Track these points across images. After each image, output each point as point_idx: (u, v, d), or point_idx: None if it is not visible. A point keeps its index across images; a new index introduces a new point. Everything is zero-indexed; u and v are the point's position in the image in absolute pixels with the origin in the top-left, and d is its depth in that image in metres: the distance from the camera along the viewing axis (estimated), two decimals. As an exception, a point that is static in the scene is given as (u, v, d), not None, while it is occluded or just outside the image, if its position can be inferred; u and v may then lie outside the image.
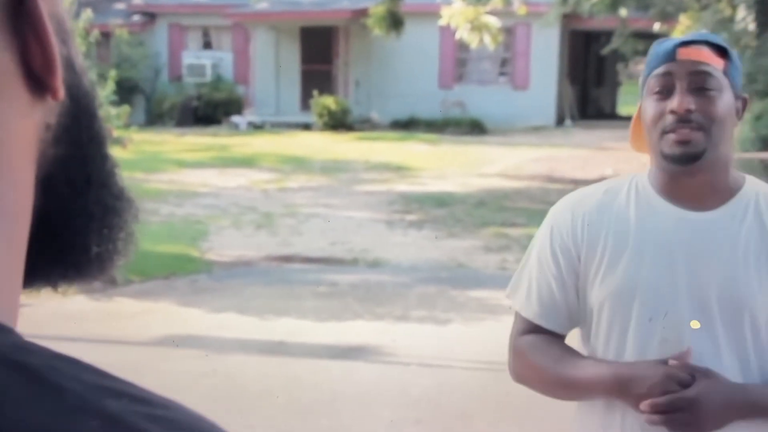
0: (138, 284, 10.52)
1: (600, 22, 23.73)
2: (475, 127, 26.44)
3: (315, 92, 27.25)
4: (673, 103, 2.23)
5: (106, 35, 28.97)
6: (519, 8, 20.28)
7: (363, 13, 25.25)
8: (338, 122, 26.44)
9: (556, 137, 25.33)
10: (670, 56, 2.28)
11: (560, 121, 28.32)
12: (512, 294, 2.52)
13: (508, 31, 25.87)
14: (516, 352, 2.48)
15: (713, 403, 2.20)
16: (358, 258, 11.84)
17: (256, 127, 27.25)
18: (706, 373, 2.22)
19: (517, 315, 2.50)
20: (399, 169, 19.63)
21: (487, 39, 20.41)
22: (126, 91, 28.25)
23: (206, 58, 29.66)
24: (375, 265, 11.55)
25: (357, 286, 10.47)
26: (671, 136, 2.25)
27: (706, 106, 2.24)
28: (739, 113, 2.34)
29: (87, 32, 11.19)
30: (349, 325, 8.97)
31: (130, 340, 8.53)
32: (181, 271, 11.12)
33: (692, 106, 2.22)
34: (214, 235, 13.23)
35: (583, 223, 2.37)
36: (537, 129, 26.76)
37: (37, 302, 9.66)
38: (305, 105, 28.05)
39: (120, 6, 30.49)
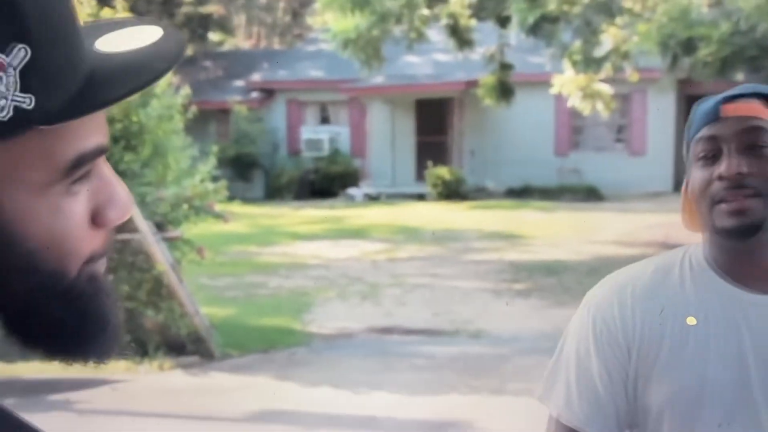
0: (236, 358, 10.56)
1: (716, 86, 23.32)
2: (591, 194, 26.16)
3: (429, 163, 27.33)
4: (722, 167, 1.90)
5: (225, 112, 29.60)
6: (631, 75, 20.05)
7: (476, 83, 25.27)
8: (452, 192, 26.43)
9: (673, 203, 24.68)
10: (714, 115, 1.95)
11: (678, 186, 27.75)
12: (546, 396, 2.13)
13: (624, 98, 25.66)
14: None
15: None
16: (459, 329, 11.69)
17: (372, 199, 27.40)
18: None
19: (555, 422, 2.09)
20: (511, 238, 19.47)
21: (600, 106, 20.22)
22: (245, 166, 28.79)
23: (323, 133, 30.00)
24: (476, 336, 11.39)
25: (455, 358, 10.33)
26: (722, 207, 1.90)
27: (761, 166, 1.90)
28: None
29: (185, 108, 11.35)
30: (443, 399, 8.81)
31: (223, 416, 8.52)
32: (281, 344, 11.12)
33: (744, 169, 1.89)
34: (318, 307, 13.23)
35: (634, 312, 2.00)
36: (654, 195, 26.34)
37: (135, 377, 9.77)
38: (420, 176, 28.14)
39: (239, 83, 31.09)
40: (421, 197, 27.02)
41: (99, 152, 0.91)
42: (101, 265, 0.95)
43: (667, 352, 1.97)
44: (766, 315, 1.94)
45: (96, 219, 0.93)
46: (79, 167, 0.89)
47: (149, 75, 0.90)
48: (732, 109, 1.94)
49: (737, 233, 1.90)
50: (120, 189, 0.94)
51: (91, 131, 0.90)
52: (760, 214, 1.89)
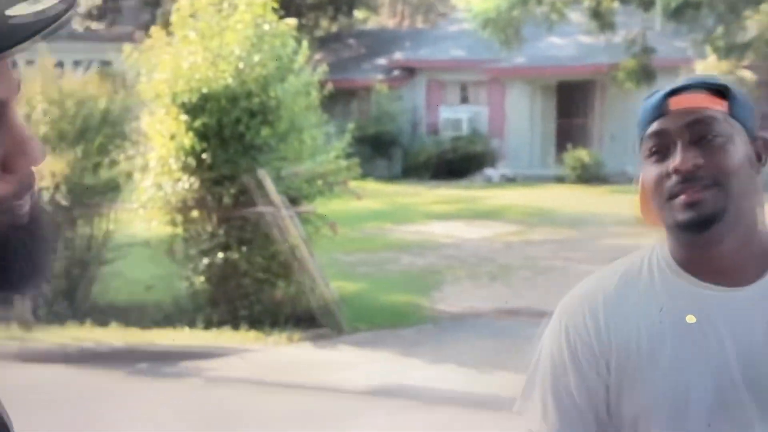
0: (363, 333, 10.71)
1: None
2: (733, 181, 25.64)
3: (569, 145, 27.12)
4: (675, 161, 1.87)
5: (367, 89, 29.82)
6: (777, 60, 19.65)
7: (618, 67, 25.03)
8: (591, 175, 26.20)
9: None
10: (661, 109, 1.93)
11: (827, 175, 27.10)
12: (523, 408, 2.09)
13: (770, 84, 25.07)
14: None
15: None
16: (588, 313, 11.62)
17: (509, 180, 27.33)
18: None
19: None
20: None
21: (744, 92, 19.86)
22: (385, 144, 28.97)
23: (463, 113, 29.99)
24: (604, 320, 11.30)
25: (582, 342, 10.29)
26: (679, 200, 1.86)
27: (715, 157, 1.87)
28: (762, 158, 1.95)
29: (322, 86, 11.51)
30: (566, 381, 8.79)
31: (348, 389, 8.66)
32: (408, 321, 11.24)
33: (699, 161, 1.85)
34: (448, 286, 13.30)
35: (607, 320, 1.97)
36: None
37: (265, 348, 9.99)
38: (558, 158, 27.94)
39: (381, 61, 31.25)
40: (558, 180, 26.83)
41: None
42: (19, 208, 1.04)
43: (645, 359, 1.93)
44: (737, 309, 1.91)
45: (4, 165, 1.02)
46: None
47: (27, 31, 0.99)
48: (680, 101, 1.92)
49: (694, 226, 1.87)
50: (29, 140, 1.03)
51: None
52: (715, 206, 1.86)
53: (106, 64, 23.12)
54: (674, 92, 1.94)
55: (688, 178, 1.86)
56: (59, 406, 8.22)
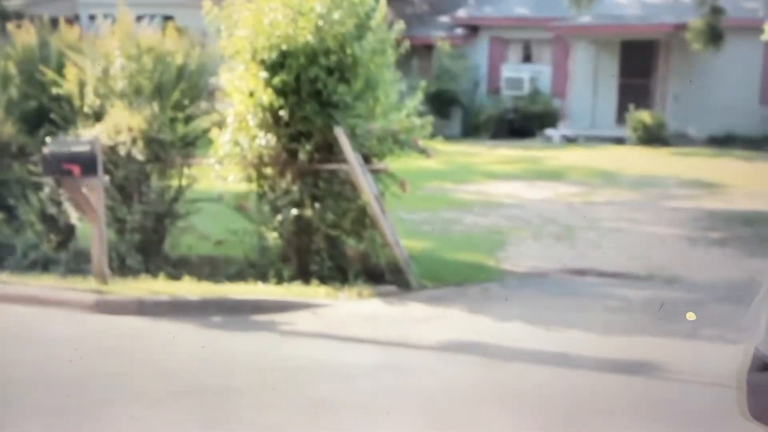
0: (432, 290, 10.88)
1: None
2: (797, 145, 25.39)
3: (631, 106, 26.98)
4: None
5: (428, 48, 29.79)
6: None
7: (684, 27, 24.85)
8: (653, 137, 26.07)
9: None
10: None
11: None
12: (748, 324, 2.30)
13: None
14: (755, 389, 2.24)
15: None
16: (653, 274, 11.72)
17: (570, 141, 27.29)
18: None
19: (756, 349, 2.26)
20: (710, 186, 19.18)
21: (813, 54, 19.68)
22: (445, 103, 28.96)
23: (525, 71, 29.91)
24: (670, 281, 11.40)
25: (649, 302, 10.40)
26: None
27: None
28: None
29: (398, 43, 11.57)
30: (636, 341, 8.92)
31: (416, 344, 8.84)
32: (475, 279, 11.39)
33: None
34: (512, 246, 13.44)
35: None
36: None
37: (335, 303, 10.18)
38: (620, 119, 27.82)
39: (444, 19, 31.19)
40: (620, 141, 26.75)
41: None
42: None
43: None
44: None
45: None
46: None
47: None
48: None
49: None
50: None
51: None
52: None
53: (168, 18, 23.24)
54: None
55: None
56: (134, 356, 8.48)
